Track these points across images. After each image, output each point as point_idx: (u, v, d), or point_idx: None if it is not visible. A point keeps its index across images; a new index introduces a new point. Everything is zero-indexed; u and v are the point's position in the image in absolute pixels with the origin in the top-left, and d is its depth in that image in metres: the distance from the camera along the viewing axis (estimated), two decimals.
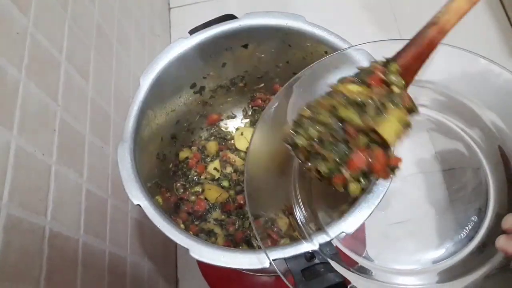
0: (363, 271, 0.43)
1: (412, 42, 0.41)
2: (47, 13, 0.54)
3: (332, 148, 0.39)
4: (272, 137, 0.49)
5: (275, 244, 0.47)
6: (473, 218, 0.45)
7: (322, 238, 0.43)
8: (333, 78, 0.47)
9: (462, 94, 0.47)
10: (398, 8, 1.05)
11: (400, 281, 0.43)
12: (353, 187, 0.39)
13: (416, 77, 0.42)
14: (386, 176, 0.40)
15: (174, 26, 1.14)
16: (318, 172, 0.40)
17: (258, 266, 0.43)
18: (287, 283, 0.39)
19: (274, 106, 0.49)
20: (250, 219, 0.43)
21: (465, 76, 0.46)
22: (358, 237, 0.46)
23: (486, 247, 0.42)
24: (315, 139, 0.39)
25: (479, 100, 0.46)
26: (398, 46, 0.49)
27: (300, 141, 0.40)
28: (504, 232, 0.39)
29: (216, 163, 0.74)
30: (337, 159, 0.38)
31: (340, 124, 0.39)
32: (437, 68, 0.44)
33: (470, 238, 0.45)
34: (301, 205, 0.48)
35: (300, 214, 0.47)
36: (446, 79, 0.47)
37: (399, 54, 0.42)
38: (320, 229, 0.44)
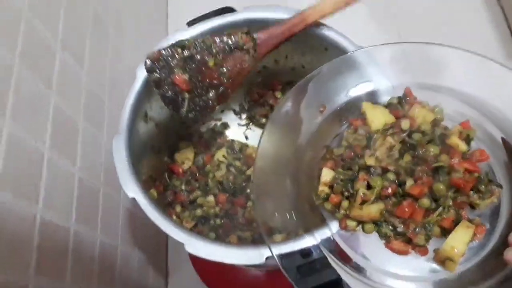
0: (358, 269, 0.42)
1: (281, 22, 0.53)
2: None
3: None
4: (282, 139, 0.48)
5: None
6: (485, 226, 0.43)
7: (323, 233, 0.43)
8: (343, 80, 0.48)
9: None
10: (397, 3, 1.05)
11: (395, 285, 0.42)
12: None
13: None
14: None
15: (171, 16, 1.13)
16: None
17: (255, 261, 0.43)
18: (288, 277, 0.39)
19: (284, 108, 0.48)
20: (256, 217, 0.43)
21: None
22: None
23: (498, 257, 0.40)
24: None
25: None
26: (399, 47, 0.49)
27: None
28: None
29: (223, 151, 0.73)
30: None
31: None
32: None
33: (482, 245, 0.43)
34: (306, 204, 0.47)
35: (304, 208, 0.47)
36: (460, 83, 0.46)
37: (266, 30, 0.52)
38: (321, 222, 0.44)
